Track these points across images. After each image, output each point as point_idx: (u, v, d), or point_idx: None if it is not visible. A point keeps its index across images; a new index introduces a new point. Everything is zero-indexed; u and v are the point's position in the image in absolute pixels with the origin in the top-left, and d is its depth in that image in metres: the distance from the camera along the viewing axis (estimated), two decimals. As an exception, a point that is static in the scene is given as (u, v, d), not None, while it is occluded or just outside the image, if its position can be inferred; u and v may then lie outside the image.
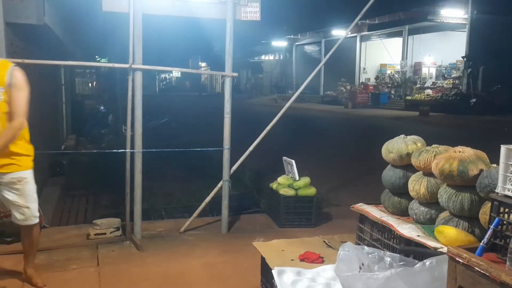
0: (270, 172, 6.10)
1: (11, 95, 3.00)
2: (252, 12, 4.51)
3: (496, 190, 2.06)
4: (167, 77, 61.00)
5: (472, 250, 1.93)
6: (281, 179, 5.04)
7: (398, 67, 27.18)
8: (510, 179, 1.98)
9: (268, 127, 4.80)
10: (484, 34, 19.73)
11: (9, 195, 3.20)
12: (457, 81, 22.69)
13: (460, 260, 1.87)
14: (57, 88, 10.50)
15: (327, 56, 5.21)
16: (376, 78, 28.46)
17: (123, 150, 4.33)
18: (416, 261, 2.33)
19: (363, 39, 29.40)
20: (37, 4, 5.10)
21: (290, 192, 4.83)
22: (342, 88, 27.99)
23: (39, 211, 4.47)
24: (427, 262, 2.15)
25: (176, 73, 52.91)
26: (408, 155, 3.00)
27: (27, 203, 3.26)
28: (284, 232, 4.52)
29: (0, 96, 2.98)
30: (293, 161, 4.99)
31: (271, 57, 43.89)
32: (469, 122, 16.44)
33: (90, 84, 28.25)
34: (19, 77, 3.04)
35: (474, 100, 19.37)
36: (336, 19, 25.37)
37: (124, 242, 4.25)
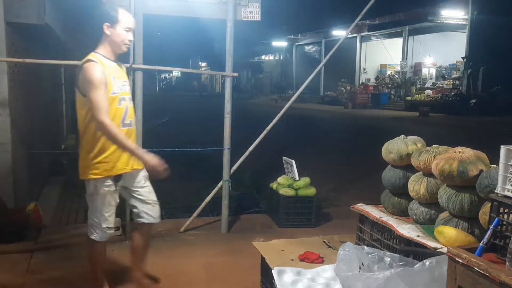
0: (270, 172, 6.10)
1: None
2: (253, 12, 4.52)
3: (495, 191, 2.07)
4: (167, 77, 61.00)
5: (471, 250, 1.94)
6: (281, 179, 5.04)
7: (398, 68, 27.19)
8: (510, 179, 1.99)
9: (268, 127, 4.80)
10: (484, 35, 19.74)
11: (143, 193, 3.11)
12: (457, 82, 22.70)
13: (459, 261, 1.87)
14: (58, 88, 10.50)
15: (327, 57, 5.22)
16: (376, 78, 28.47)
17: (123, 150, 4.33)
18: (416, 261, 2.33)
19: (363, 39, 29.42)
20: (38, 4, 5.10)
21: (290, 192, 4.83)
22: (342, 88, 28.00)
23: (39, 210, 4.50)
24: (427, 262, 2.16)
25: (176, 73, 52.90)
26: (408, 155, 3.00)
27: (155, 198, 3.19)
28: (284, 232, 4.52)
29: (128, 88, 3.07)
30: (293, 161, 4.99)
31: (271, 57, 43.91)
32: (469, 122, 16.45)
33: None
34: None
35: (474, 100, 19.38)
36: (337, 20, 25.40)
37: (124, 242, 4.25)
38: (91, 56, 2.90)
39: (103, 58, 2.91)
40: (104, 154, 2.88)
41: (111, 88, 2.87)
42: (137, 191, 3.09)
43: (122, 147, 2.83)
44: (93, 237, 3.01)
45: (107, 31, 2.91)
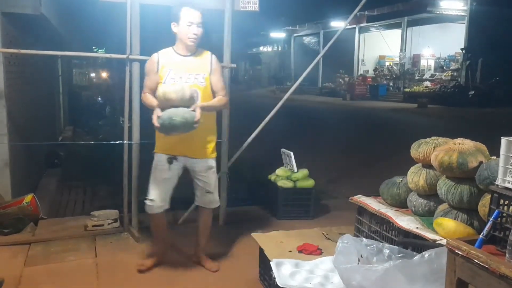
0: (268, 164, 6.08)
1: (211, 79, 3.35)
2: (251, 2, 4.46)
3: (496, 182, 2.05)
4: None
5: (471, 242, 1.93)
6: (279, 171, 5.03)
7: (396, 59, 27.14)
8: (510, 171, 1.97)
9: (267, 119, 4.77)
10: (483, 26, 19.66)
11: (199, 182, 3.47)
12: (455, 73, 22.68)
13: (459, 252, 1.86)
14: (54, 79, 10.44)
15: (326, 48, 5.17)
16: (375, 70, 28.42)
17: (120, 142, 4.31)
18: (415, 253, 2.33)
19: (362, 30, 29.31)
20: (33, -6, 5.04)
21: (289, 184, 4.82)
22: (340, 80, 27.95)
23: (36, 202, 4.48)
24: (426, 254, 2.15)
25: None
26: None
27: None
28: (282, 224, 4.52)
29: (203, 82, 3.30)
30: (292, 153, 4.98)
31: (270, 49, 43.71)
32: (468, 114, 16.44)
33: (87, 75, 28.15)
34: (218, 62, 3.44)
35: (473, 92, 19.35)
36: (335, 10, 25.24)
37: (122, 233, 4.24)
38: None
39: (168, 52, 3.32)
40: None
41: (162, 77, 3.25)
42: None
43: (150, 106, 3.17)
44: None
45: (174, 29, 3.29)
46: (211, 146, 3.45)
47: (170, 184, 3.40)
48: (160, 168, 3.33)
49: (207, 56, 3.38)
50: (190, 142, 3.27)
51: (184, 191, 5.82)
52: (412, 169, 2.93)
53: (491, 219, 1.98)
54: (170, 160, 3.30)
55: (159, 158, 3.33)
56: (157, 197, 3.35)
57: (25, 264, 3.58)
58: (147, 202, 3.37)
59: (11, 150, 4.80)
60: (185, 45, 3.27)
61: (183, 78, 3.24)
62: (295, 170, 4.91)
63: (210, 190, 3.49)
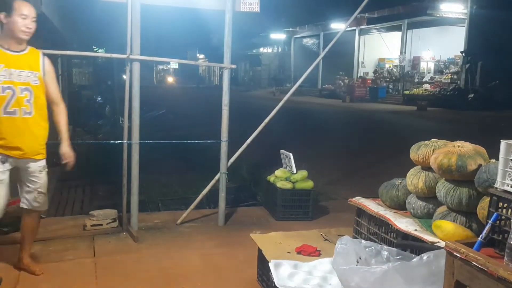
0: (267, 165, 6.09)
1: (46, 82, 3.21)
2: (252, 3, 4.47)
3: (495, 185, 2.06)
4: (165, 68, 60.75)
5: (469, 245, 1.93)
6: (278, 172, 5.03)
7: (396, 62, 27.17)
8: (509, 174, 1.98)
9: (266, 120, 4.78)
10: (483, 29, 19.68)
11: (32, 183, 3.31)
12: (455, 76, 22.68)
13: (457, 255, 1.86)
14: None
15: (326, 50, 5.17)
16: (375, 72, 28.44)
17: (120, 141, 4.31)
18: (413, 255, 2.33)
19: (362, 32, 29.33)
20: (34, -7, 5.04)
21: (288, 185, 4.82)
22: (340, 81, 27.98)
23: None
24: (425, 256, 2.15)
25: (174, 64, 52.68)
26: None
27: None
28: (281, 225, 4.52)
29: (36, 81, 3.14)
30: (291, 154, 4.98)
31: (270, 50, 43.74)
32: (467, 117, 16.46)
33: (87, 75, 28.12)
34: (51, 65, 3.28)
35: (472, 95, 19.39)
36: (335, 12, 25.28)
37: (121, 233, 4.24)
38: None
39: None
40: None
41: None
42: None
43: None
44: None
45: (3, 20, 3.04)
46: (44, 146, 3.35)
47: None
48: None
49: (39, 55, 3.22)
50: (25, 142, 3.14)
51: (183, 191, 5.87)
52: (411, 171, 2.93)
53: (490, 221, 1.99)
54: (4, 160, 3.12)
55: None
56: None
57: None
58: None
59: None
60: (16, 40, 3.06)
61: (14, 75, 3.04)
62: (294, 171, 4.91)
63: (43, 191, 3.34)
